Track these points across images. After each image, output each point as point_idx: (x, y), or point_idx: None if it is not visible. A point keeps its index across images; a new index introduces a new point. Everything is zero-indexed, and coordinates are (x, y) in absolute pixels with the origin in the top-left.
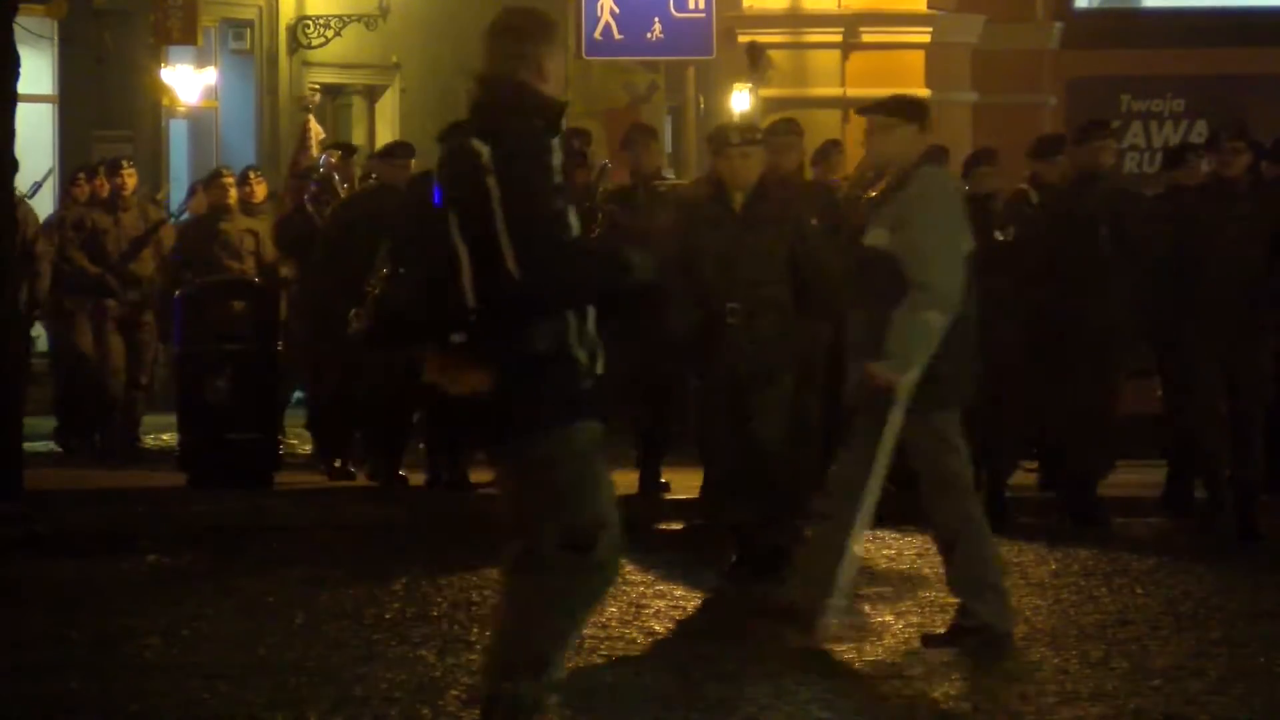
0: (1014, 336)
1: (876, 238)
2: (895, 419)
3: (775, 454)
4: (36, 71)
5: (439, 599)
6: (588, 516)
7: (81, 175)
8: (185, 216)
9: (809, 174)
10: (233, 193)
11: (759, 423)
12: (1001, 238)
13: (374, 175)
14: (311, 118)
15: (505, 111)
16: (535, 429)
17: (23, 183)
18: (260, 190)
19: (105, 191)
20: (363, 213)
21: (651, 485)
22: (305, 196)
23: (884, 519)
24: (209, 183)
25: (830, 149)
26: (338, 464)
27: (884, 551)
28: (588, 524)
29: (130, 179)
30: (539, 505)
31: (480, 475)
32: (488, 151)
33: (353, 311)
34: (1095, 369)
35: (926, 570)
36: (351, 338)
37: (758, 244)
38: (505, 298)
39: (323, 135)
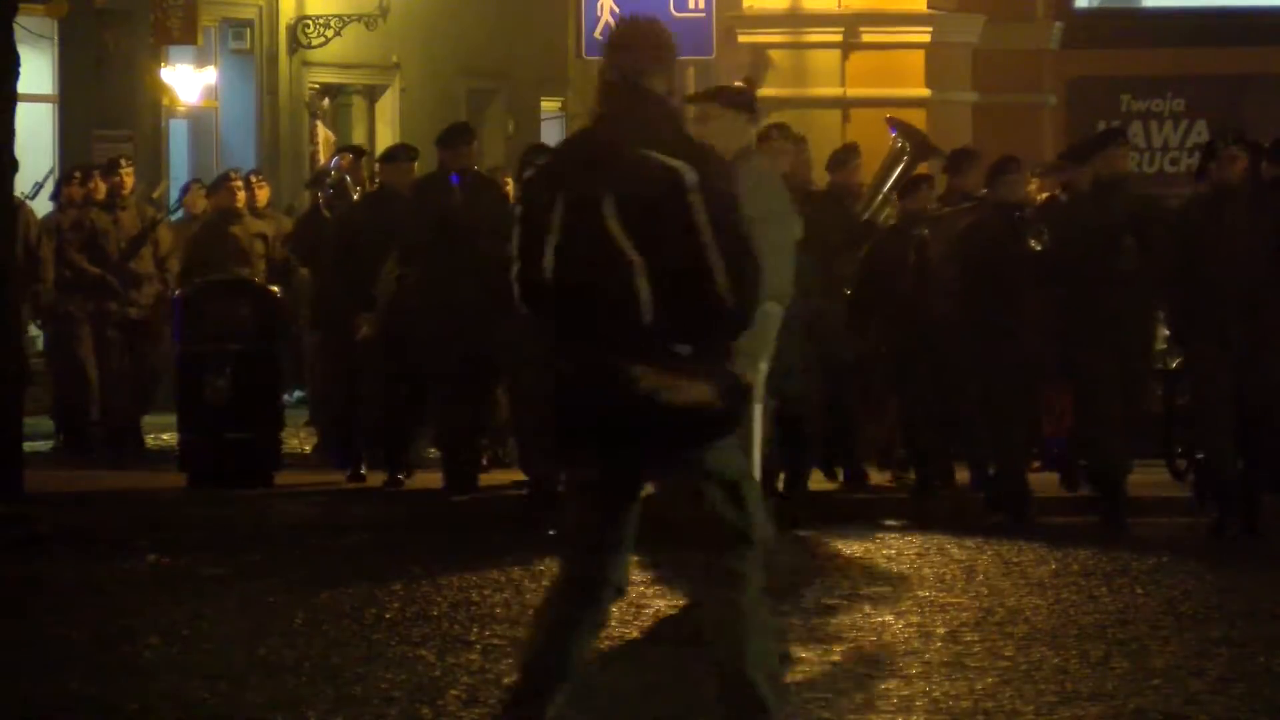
0: (1036, 342)
1: None
2: (754, 415)
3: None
4: (37, 71)
5: (439, 599)
6: (762, 524)
7: (77, 175)
8: (179, 214)
9: (824, 180)
10: (241, 195)
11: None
12: (1039, 248)
13: (376, 178)
14: (320, 123)
15: (666, 123)
16: (719, 441)
17: (22, 183)
18: (263, 194)
19: (101, 192)
20: (367, 217)
21: None
22: (320, 201)
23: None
24: (216, 186)
25: (849, 154)
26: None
27: (883, 552)
28: (763, 533)
29: (128, 178)
30: (726, 517)
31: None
32: (690, 170)
33: (360, 317)
34: (1122, 372)
35: (926, 570)
36: (358, 343)
37: None
38: (709, 314)
39: (333, 139)
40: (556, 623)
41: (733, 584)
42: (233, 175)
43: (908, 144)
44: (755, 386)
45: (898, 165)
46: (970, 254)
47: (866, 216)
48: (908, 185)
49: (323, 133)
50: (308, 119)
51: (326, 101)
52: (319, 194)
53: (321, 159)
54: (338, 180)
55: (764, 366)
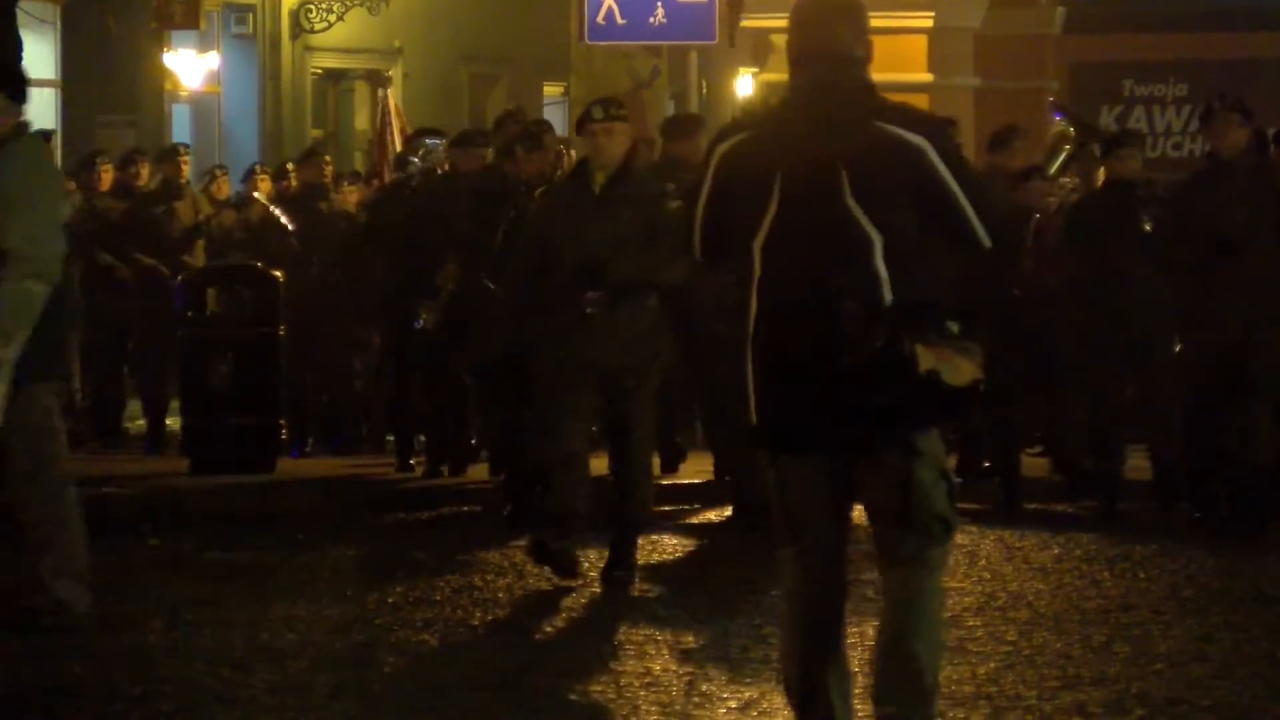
0: (1145, 324)
1: None
2: (2, 392)
3: (648, 461)
4: (39, 56)
5: (441, 584)
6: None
7: (107, 164)
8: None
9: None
10: (329, 171)
11: (635, 433)
12: (1149, 228)
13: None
14: (391, 94)
15: (876, 91)
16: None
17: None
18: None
19: (141, 179)
20: (433, 203)
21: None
22: (408, 183)
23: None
24: (304, 160)
25: (1009, 134)
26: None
27: None
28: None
29: (185, 165)
30: (922, 505)
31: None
32: (922, 137)
33: (423, 306)
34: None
35: None
36: (420, 332)
37: (616, 229)
38: (973, 261)
39: (402, 116)
40: (808, 622)
41: (929, 568)
42: (319, 150)
43: (1071, 127)
44: (4, 363)
45: (1062, 149)
46: (1078, 230)
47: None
48: (1016, 176)
49: (393, 105)
50: (377, 94)
51: (396, 75)
52: (407, 173)
53: (395, 136)
54: (430, 166)
55: (15, 348)
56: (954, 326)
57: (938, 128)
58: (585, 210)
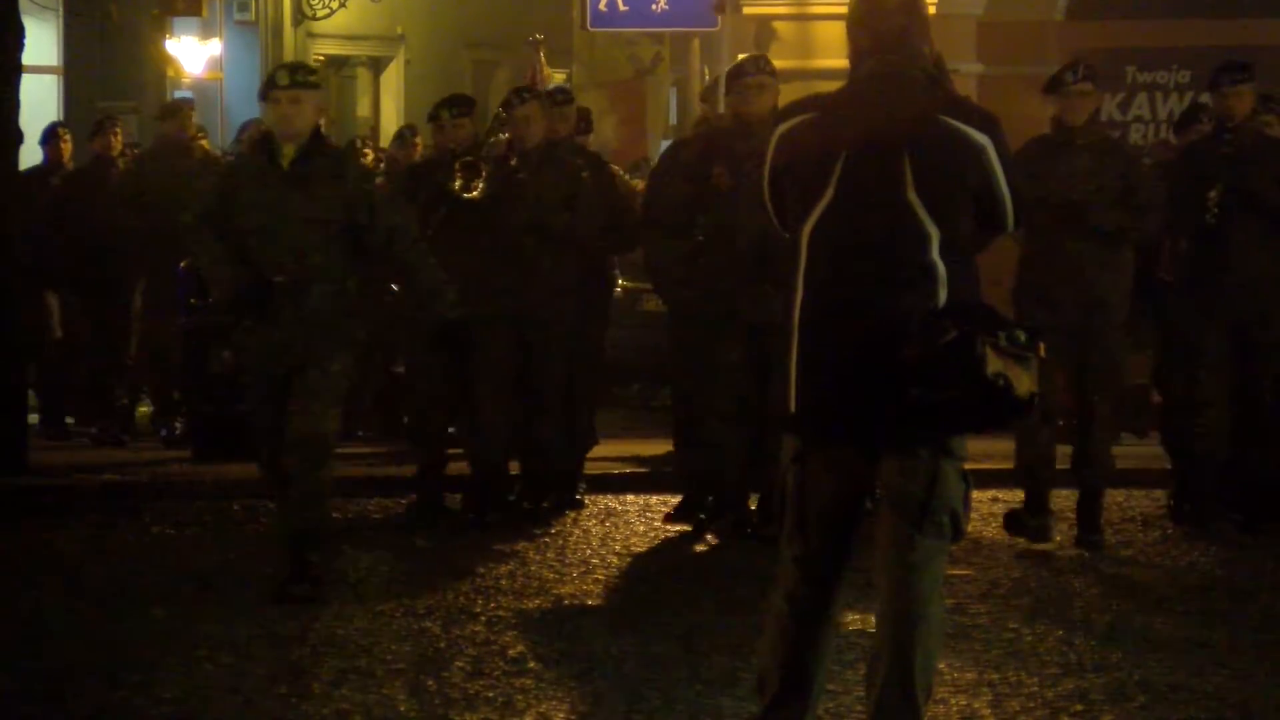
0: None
1: None
2: None
3: (323, 452)
4: (41, 42)
5: (443, 571)
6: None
7: (200, 132)
8: None
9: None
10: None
11: (301, 418)
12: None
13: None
14: (543, 56)
15: (942, 86)
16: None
17: (26, 158)
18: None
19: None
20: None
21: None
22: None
23: None
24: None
25: (1194, 112)
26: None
27: None
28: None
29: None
30: (942, 499)
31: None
32: (986, 136)
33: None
34: None
35: None
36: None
37: (307, 207)
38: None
39: (555, 79)
40: (798, 621)
41: (928, 569)
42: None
43: None
44: None
45: None
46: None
47: None
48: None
49: (545, 71)
50: (530, 56)
51: (539, 34)
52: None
53: None
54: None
55: None
56: (1021, 335)
57: (998, 126)
58: (274, 188)
